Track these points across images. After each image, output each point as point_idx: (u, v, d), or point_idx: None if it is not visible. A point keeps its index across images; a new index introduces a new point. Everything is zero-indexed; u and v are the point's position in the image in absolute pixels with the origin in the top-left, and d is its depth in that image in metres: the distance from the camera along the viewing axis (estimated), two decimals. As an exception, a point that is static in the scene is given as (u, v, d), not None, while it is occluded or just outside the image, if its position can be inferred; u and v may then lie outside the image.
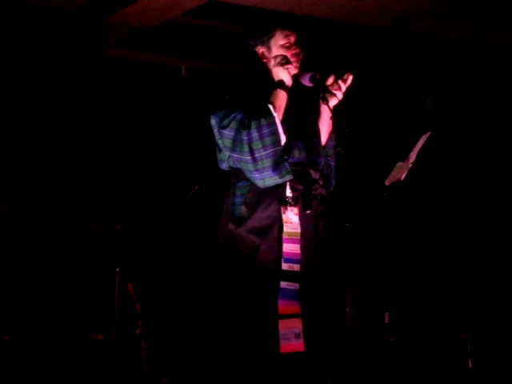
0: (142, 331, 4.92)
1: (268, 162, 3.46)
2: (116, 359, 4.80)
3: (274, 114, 3.50)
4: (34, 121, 5.42)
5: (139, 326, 4.93)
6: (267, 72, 3.63)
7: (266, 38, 3.66)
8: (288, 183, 3.52)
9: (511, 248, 6.27)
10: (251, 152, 3.46)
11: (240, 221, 3.50)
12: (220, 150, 3.61)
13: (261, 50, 3.67)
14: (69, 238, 5.26)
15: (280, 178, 3.49)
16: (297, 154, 3.57)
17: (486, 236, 6.30)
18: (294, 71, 3.59)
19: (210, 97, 3.71)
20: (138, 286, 5.02)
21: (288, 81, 3.55)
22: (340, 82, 3.56)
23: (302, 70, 3.64)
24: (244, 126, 3.47)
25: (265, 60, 3.66)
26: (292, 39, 3.65)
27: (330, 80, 3.58)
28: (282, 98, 3.54)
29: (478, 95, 6.61)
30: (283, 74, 3.56)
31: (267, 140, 3.46)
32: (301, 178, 3.55)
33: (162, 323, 5.28)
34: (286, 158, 3.49)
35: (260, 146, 3.46)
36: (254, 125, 3.46)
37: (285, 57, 3.58)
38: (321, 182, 3.61)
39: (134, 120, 5.83)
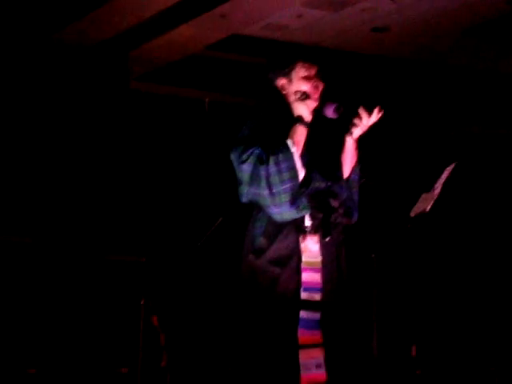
0: (167, 364, 4.90)
1: (286, 197, 3.46)
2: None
3: (293, 149, 3.50)
4: (61, 153, 5.46)
5: (164, 359, 4.91)
6: (287, 105, 3.64)
7: (286, 71, 3.67)
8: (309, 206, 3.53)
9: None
10: (269, 187, 3.47)
11: (259, 252, 3.50)
12: (240, 184, 3.62)
13: (281, 82, 3.68)
14: (94, 271, 5.27)
15: (297, 212, 3.49)
16: (316, 184, 3.57)
17: (509, 270, 6.24)
18: (313, 105, 3.59)
19: (231, 130, 3.73)
20: (162, 318, 5.01)
21: (307, 116, 3.56)
22: (366, 115, 3.56)
23: (325, 101, 3.65)
24: (262, 160, 3.48)
25: (285, 92, 3.68)
26: (313, 72, 3.66)
27: (362, 112, 3.57)
28: (300, 133, 3.54)
29: (503, 126, 6.59)
30: (302, 110, 3.56)
31: (285, 175, 3.47)
32: (320, 207, 3.55)
33: (187, 356, 5.26)
34: (303, 191, 3.49)
35: (278, 180, 3.46)
36: (272, 160, 3.47)
37: (304, 92, 3.59)
38: (341, 211, 3.61)
39: (158, 153, 5.86)
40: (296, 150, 3.50)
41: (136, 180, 5.62)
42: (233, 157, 3.58)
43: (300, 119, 3.55)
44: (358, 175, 3.72)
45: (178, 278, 5.44)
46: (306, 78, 3.64)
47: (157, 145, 5.89)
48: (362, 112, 3.54)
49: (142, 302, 4.82)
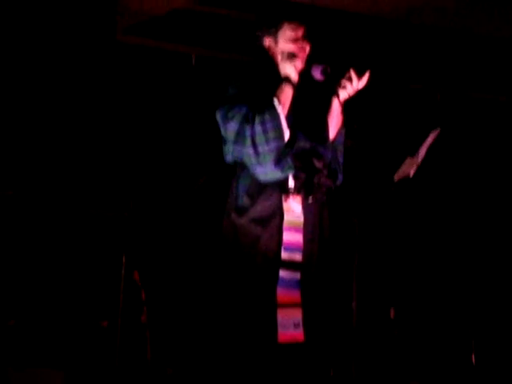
0: (147, 319, 4.93)
1: (270, 157, 3.47)
2: (120, 346, 4.81)
3: (279, 109, 3.50)
4: (43, 106, 5.41)
5: (144, 314, 4.93)
6: (274, 64, 3.62)
7: (273, 30, 3.64)
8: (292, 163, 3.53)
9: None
10: (254, 146, 3.47)
11: (242, 210, 3.52)
12: (225, 143, 3.61)
13: (268, 41, 3.65)
14: (75, 225, 5.26)
15: (282, 172, 3.49)
16: (301, 145, 3.57)
17: (494, 232, 6.28)
18: (300, 66, 3.58)
19: (218, 86, 3.70)
20: (143, 274, 5.03)
21: (294, 76, 3.55)
22: (355, 78, 3.55)
23: (312, 62, 3.62)
24: (248, 119, 3.47)
25: (271, 52, 3.65)
26: (300, 33, 3.63)
27: (350, 74, 3.55)
28: (287, 92, 3.53)
29: (490, 91, 6.58)
30: (289, 69, 3.55)
31: (270, 134, 3.47)
32: (304, 167, 3.55)
33: (167, 312, 5.28)
34: (288, 151, 3.49)
35: (263, 140, 3.46)
36: (257, 119, 3.47)
37: (291, 52, 3.57)
38: (325, 172, 3.61)
39: (142, 107, 5.82)
40: (282, 110, 3.49)
41: (120, 133, 5.59)
42: (218, 115, 3.57)
43: (286, 79, 3.54)
44: (344, 138, 3.72)
45: (160, 234, 5.45)
46: (293, 39, 3.62)
47: (142, 98, 5.85)
48: (352, 74, 3.53)
49: (123, 257, 4.82)
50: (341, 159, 3.74)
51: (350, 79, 3.56)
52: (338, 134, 3.72)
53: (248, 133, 3.47)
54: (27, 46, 5.42)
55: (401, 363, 5.42)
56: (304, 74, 3.60)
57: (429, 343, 5.73)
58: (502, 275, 6.15)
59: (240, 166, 3.59)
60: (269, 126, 3.47)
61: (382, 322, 5.42)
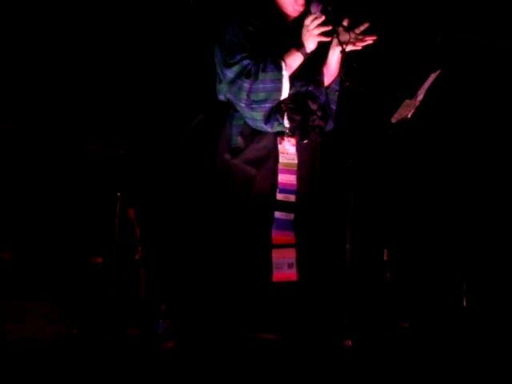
0: (141, 257, 4.95)
1: (261, 115, 3.42)
2: (114, 283, 4.83)
3: (284, 72, 3.43)
4: (40, 41, 5.36)
5: (138, 252, 4.95)
6: (276, 6, 3.55)
7: None
8: (285, 114, 3.50)
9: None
10: (248, 101, 3.41)
11: (236, 151, 3.49)
12: (219, 83, 3.56)
13: None
14: (71, 160, 5.25)
15: (272, 129, 3.46)
16: (297, 88, 3.53)
17: (489, 176, 6.29)
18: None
19: (216, 25, 3.64)
20: (138, 212, 5.03)
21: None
22: (360, 36, 3.47)
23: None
24: (249, 73, 3.40)
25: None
26: None
27: (345, 22, 3.50)
28: (297, 60, 3.46)
29: (490, 35, 6.52)
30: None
31: (269, 95, 3.40)
32: (299, 109, 3.52)
33: (162, 250, 5.30)
34: (279, 108, 3.43)
35: (259, 97, 3.40)
36: (260, 76, 3.39)
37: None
38: (319, 114, 3.58)
39: (140, 44, 5.76)
40: (287, 74, 3.42)
41: (117, 71, 5.55)
42: (217, 54, 3.51)
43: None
44: (338, 86, 3.69)
45: (156, 173, 5.44)
46: None
47: (139, 35, 5.79)
48: (347, 21, 3.47)
49: (118, 194, 4.82)
50: (334, 106, 3.70)
51: (346, 29, 3.50)
52: (334, 81, 3.68)
53: (246, 86, 3.40)
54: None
55: (392, 305, 5.47)
56: (303, 13, 3.55)
57: (421, 286, 5.77)
58: (495, 220, 6.17)
59: (232, 106, 3.56)
60: (270, 86, 3.40)
61: (375, 264, 5.45)
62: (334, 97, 3.72)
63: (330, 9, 3.56)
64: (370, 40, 3.49)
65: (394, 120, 3.94)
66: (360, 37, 3.47)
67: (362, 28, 3.48)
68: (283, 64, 3.44)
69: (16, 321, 4.30)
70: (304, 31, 3.47)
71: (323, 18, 3.45)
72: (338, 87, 3.69)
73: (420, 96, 3.90)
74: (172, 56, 5.83)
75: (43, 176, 5.18)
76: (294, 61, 3.47)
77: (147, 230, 5.15)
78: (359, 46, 3.47)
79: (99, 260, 5.08)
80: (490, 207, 6.21)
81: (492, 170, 6.34)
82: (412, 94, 3.88)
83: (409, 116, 3.89)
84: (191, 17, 5.92)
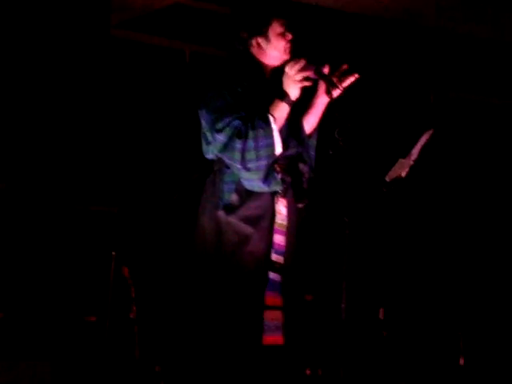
0: (136, 316, 4.91)
1: (259, 174, 3.38)
2: (108, 342, 4.80)
3: (273, 126, 3.41)
4: (36, 101, 5.39)
5: (133, 311, 4.91)
6: (259, 65, 3.53)
7: (263, 29, 3.54)
8: (280, 174, 3.49)
9: (509, 248, 6.26)
10: (243, 161, 3.37)
11: (231, 208, 3.45)
12: (208, 143, 3.53)
13: (258, 40, 3.56)
14: (66, 220, 5.25)
15: (269, 188, 3.44)
16: (290, 151, 3.52)
17: (482, 235, 6.29)
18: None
19: (204, 86, 3.60)
20: (133, 270, 5.01)
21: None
22: (342, 77, 3.48)
23: (295, 55, 3.53)
24: (240, 134, 3.36)
25: (261, 50, 3.55)
26: (285, 26, 3.56)
27: (326, 70, 3.47)
28: (284, 110, 3.43)
29: (483, 92, 6.59)
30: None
31: (262, 152, 3.36)
32: (289, 171, 3.51)
33: (156, 309, 5.27)
34: (275, 166, 3.43)
35: (254, 156, 3.36)
36: (251, 134, 3.37)
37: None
38: (307, 176, 3.58)
39: (135, 102, 5.80)
40: (277, 128, 3.40)
41: (112, 129, 5.58)
42: (206, 118, 3.47)
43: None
44: (317, 133, 3.69)
45: (150, 231, 5.43)
46: (281, 34, 3.54)
47: (135, 94, 5.83)
48: (328, 68, 3.45)
49: (113, 253, 4.81)
50: (313, 153, 3.69)
51: (340, 76, 3.49)
52: (315, 132, 3.67)
53: (238, 147, 3.36)
54: (22, 41, 5.40)
55: (389, 364, 5.43)
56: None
57: (417, 344, 5.73)
58: (490, 277, 6.16)
59: (222, 162, 3.52)
60: (262, 143, 3.36)
61: (371, 323, 5.42)
62: (314, 144, 3.71)
63: (323, 70, 3.56)
64: (352, 79, 3.47)
65: (388, 179, 3.94)
66: (341, 78, 3.45)
67: (341, 70, 3.45)
68: (271, 118, 3.42)
69: (5, 382, 4.26)
70: (285, 79, 3.43)
71: (303, 61, 3.42)
72: (317, 134, 3.69)
73: (414, 155, 3.90)
74: (166, 114, 5.86)
75: (38, 235, 5.18)
76: (280, 112, 3.44)
77: (142, 289, 5.12)
78: (341, 87, 3.44)
79: (93, 319, 5.05)
80: (486, 266, 6.21)
81: (487, 228, 6.35)
82: (406, 153, 3.89)
83: (403, 175, 3.89)
84: (187, 77, 5.97)
